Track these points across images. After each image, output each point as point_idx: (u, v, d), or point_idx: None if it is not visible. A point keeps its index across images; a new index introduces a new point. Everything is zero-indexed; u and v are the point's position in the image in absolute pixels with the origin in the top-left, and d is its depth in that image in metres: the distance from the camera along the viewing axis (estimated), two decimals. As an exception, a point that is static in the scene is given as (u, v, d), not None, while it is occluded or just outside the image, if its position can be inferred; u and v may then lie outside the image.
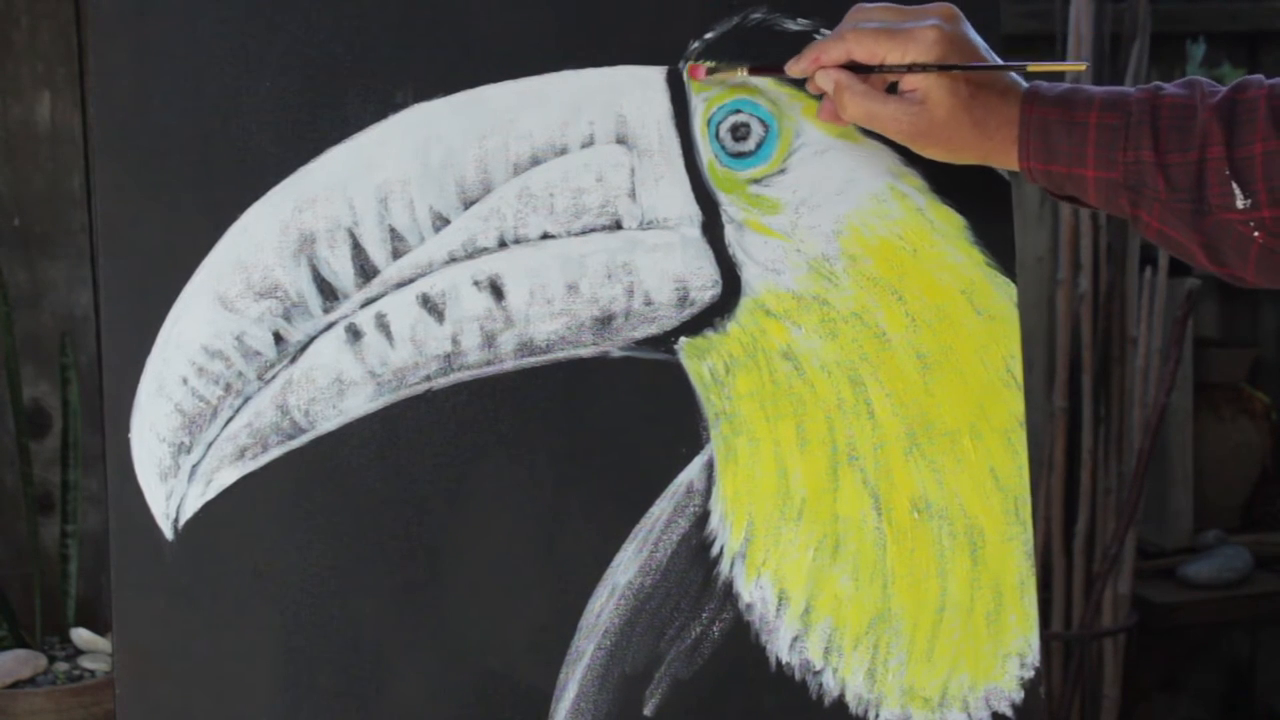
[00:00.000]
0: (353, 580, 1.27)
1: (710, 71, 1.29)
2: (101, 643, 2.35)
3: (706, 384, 1.31)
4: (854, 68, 1.23)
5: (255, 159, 1.27)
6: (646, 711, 1.29)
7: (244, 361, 1.27)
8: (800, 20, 1.32)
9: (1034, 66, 1.26)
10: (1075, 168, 1.21)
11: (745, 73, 1.29)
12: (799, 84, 1.30)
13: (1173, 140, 1.18)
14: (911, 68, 1.21)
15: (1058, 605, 2.72)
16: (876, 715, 1.31)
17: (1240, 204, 1.17)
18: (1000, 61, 1.23)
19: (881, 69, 1.22)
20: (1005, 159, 1.23)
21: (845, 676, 1.30)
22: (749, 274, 1.31)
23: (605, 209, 1.30)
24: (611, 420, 1.30)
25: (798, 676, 1.30)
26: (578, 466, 1.30)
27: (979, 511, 1.32)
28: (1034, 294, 2.85)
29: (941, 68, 1.20)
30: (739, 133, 1.31)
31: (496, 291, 1.29)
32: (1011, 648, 1.32)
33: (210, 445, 1.26)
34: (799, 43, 1.31)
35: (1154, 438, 2.58)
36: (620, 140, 1.30)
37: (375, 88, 1.28)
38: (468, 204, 1.28)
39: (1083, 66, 1.32)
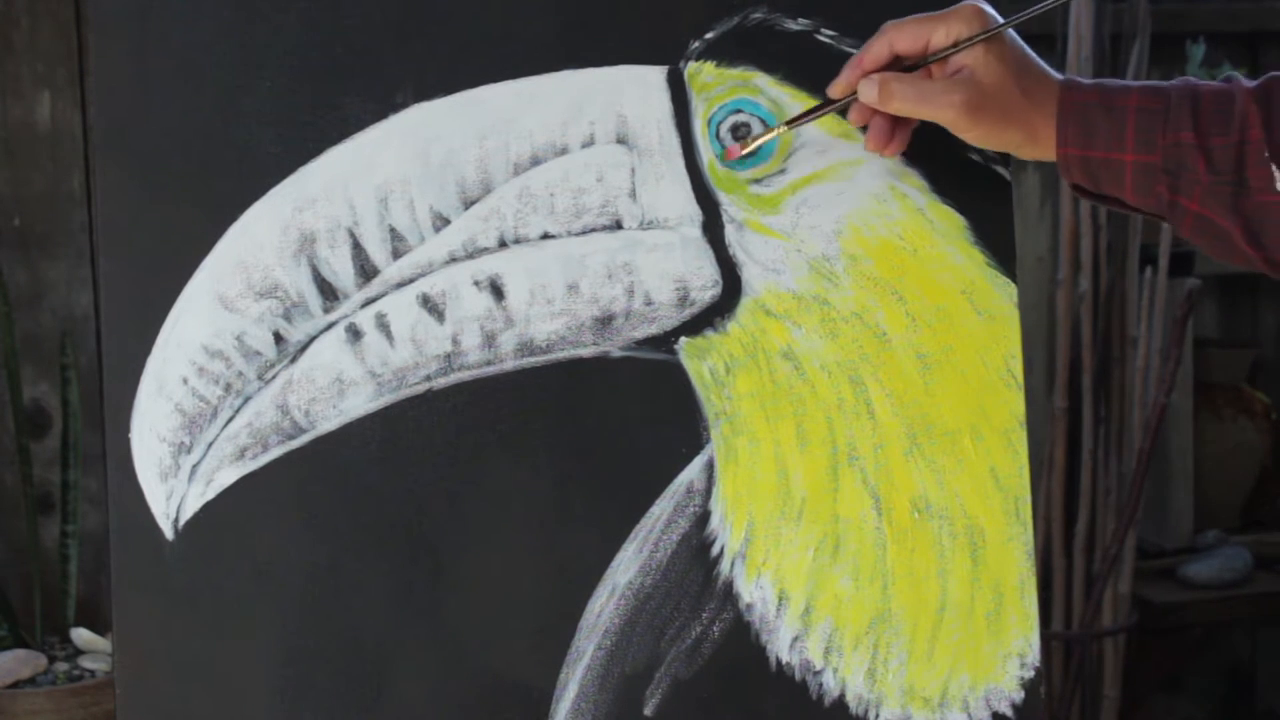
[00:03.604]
0: (353, 580, 1.27)
1: (745, 147, 1.28)
2: (101, 643, 2.35)
3: (707, 384, 1.31)
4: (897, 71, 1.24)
5: (255, 159, 1.27)
6: (646, 711, 1.29)
7: (244, 361, 1.27)
8: (800, 20, 1.32)
9: None
10: (1113, 152, 1.21)
11: (784, 129, 1.28)
12: (800, 84, 1.30)
13: (1214, 124, 1.19)
14: (957, 45, 1.22)
15: (1058, 605, 2.72)
16: (877, 715, 1.31)
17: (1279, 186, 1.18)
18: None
19: (926, 60, 1.23)
20: (1049, 140, 1.23)
21: (845, 676, 1.30)
22: (749, 274, 1.31)
23: (605, 209, 1.30)
24: (611, 420, 1.30)
25: (798, 676, 1.30)
26: (578, 466, 1.29)
27: (979, 511, 1.32)
28: (1034, 294, 2.85)
29: (987, 33, 1.21)
30: (739, 132, 1.31)
31: (497, 291, 1.29)
32: (1012, 648, 1.32)
33: (210, 445, 1.26)
34: (799, 42, 1.31)
35: (1154, 438, 2.58)
36: (620, 140, 1.30)
37: (375, 88, 1.28)
38: (468, 204, 1.28)
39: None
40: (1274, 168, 1.17)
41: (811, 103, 1.30)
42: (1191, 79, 1.23)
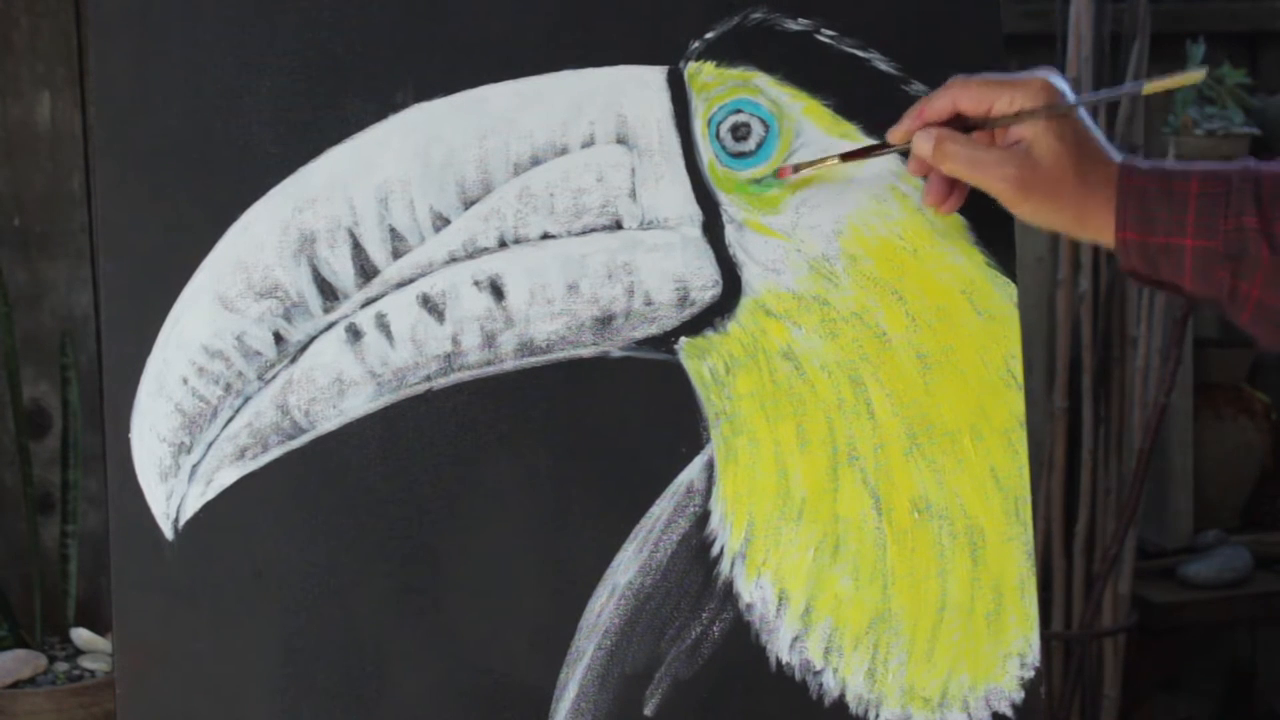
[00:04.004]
0: (353, 580, 1.27)
1: (798, 169, 1.28)
2: (101, 643, 2.35)
3: (707, 384, 1.31)
4: (957, 129, 1.23)
5: (255, 159, 1.27)
6: (647, 711, 1.29)
7: (244, 361, 1.27)
8: (800, 20, 1.32)
9: (1150, 88, 1.23)
10: (1174, 237, 1.20)
11: (835, 160, 1.28)
12: (800, 84, 1.30)
13: (1277, 206, 1.18)
14: (1019, 115, 1.21)
15: (1058, 605, 2.72)
16: (876, 715, 1.31)
17: None
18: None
19: (988, 124, 1.22)
20: (1101, 223, 1.22)
21: (845, 676, 1.30)
22: (749, 274, 1.31)
23: (605, 209, 1.30)
24: (611, 420, 1.30)
25: (798, 676, 1.30)
26: (578, 466, 1.30)
27: (979, 511, 1.32)
28: (1034, 294, 2.84)
29: (1050, 108, 1.20)
30: (739, 133, 1.31)
31: (497, 291, 1.29)
32: (1011, 648, 1.32)
33: (210, 445, 1.26)
34: (799, 42, 1.31)
35: (1154, 438, 2.58)
36: (620, 140, 1.30)
37: (375, 88, 1.28)
38: (468, 204, 1.28)
39: (1201, 75, 1.25)
40: None
41: (810, 102, 1.30)
42: (1251, 161, 1.22)
